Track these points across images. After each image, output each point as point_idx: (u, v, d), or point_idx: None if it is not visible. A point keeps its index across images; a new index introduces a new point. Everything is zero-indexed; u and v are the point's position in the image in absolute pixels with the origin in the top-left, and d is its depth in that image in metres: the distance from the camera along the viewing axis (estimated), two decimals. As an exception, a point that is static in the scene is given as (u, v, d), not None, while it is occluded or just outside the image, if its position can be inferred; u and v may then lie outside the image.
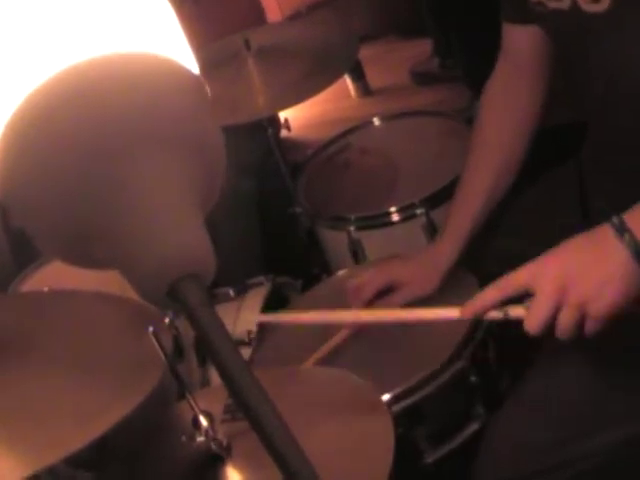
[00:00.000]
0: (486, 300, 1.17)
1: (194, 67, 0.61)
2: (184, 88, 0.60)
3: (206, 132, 0.60)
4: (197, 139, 0.59)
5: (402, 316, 1.37)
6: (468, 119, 2.12)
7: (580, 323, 1.10)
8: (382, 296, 1.57)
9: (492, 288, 1.17)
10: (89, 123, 0.55)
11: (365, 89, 3.66)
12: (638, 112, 1.29)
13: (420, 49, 3.60)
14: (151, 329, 1.04)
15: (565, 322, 1.10)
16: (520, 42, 1.51)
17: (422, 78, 3.54)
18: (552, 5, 1.30)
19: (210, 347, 0.55)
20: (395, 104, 3.37)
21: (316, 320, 1.50)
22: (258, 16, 2.83)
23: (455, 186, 1.61)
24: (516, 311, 1.15)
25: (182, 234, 0.57)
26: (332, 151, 2.23)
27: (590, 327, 1.10)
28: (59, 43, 0.56)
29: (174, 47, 0.61)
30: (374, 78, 3.67)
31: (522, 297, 1.15)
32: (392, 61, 3.80)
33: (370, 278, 1.58)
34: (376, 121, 2.26)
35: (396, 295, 1.56)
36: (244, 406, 0.53)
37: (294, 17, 3.99)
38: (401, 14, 3.90)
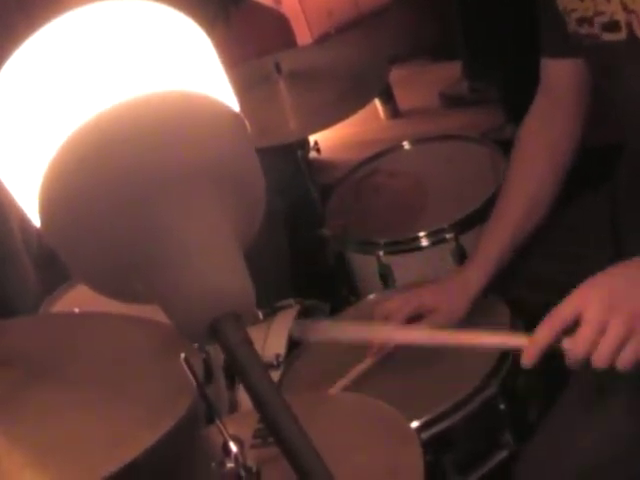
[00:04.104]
0: (540, 344, 1.14)
1: (234, 104, 0.62)
2: (224, 126, 0.60)
3: (246, 170, 0.61)
4: (237, 177, 0.59)
5: (456, 339, 1.32)
6: (499, 141, 2.12)
7: (620, 349, 1.08)
8: (410, 323, 1.57)
9: (542, 328, 1.14)
10: (127, 166, 0.56)
11: (394, 111, 3.66)
12: None
13: (449, 72, 3.60)
14: (183, 356, 1.04)
15: (610, 341, 1.08)
16: (559, 76, 1.52)
17: (451, 101, 3.53)
18: (607, 37, 1.30)
19: (249, 386, 0.55)
20: (424, 126, 3.37)
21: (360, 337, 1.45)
22: (288, 38, 2.84)
23: (484, 211, 1.61)
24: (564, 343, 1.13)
25: (222, 273, 0.57)
26: (361, 174, 2.23)
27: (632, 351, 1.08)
28: (100, 84, 0.57)
29: (214, 84, 0.61)
30: (403, 100, 3.67)
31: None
32: (421, 83, 3.80)
33: (398, 306, 1.57)
34: (406, 145, 2.26)
35: (424, 322, 1.56)
36: (284, 451, 0.53)
37: (323, 38, 4.01)
38: (431, 36, 3.90)
